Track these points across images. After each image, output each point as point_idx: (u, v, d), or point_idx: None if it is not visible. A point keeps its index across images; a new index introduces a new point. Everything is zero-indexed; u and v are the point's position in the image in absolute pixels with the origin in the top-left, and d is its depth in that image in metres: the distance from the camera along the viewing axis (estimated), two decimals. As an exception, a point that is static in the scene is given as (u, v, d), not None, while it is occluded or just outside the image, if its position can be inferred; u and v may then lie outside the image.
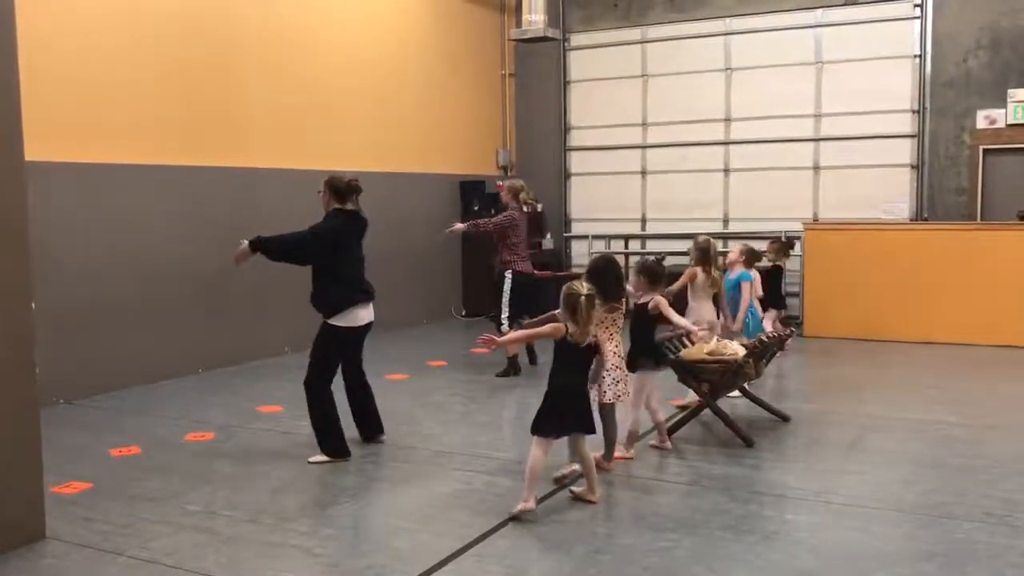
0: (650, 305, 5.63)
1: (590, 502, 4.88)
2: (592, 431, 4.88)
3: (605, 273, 5.31)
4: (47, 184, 7.04)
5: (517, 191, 8.50)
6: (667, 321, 5.72)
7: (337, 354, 5.86)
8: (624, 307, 5.52)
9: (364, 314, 5.83)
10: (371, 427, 6.11)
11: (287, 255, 5.76)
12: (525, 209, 8.59)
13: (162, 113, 8.10)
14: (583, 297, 4.65)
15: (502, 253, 8.40)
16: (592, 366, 4.97)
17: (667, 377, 6.39)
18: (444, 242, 8.97)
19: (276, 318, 9.17)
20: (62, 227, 7.27)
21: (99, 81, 7.57)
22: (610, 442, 5.46)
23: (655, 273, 5.73)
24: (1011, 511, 4.70)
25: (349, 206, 5.84)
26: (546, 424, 4.74)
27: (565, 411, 4.75)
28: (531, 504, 4.68)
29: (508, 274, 8.31)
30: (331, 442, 5.75)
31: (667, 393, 6.98)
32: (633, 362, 5.69)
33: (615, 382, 5.37)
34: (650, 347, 5.78)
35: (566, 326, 4.72)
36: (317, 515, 4.86)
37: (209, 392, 7.76)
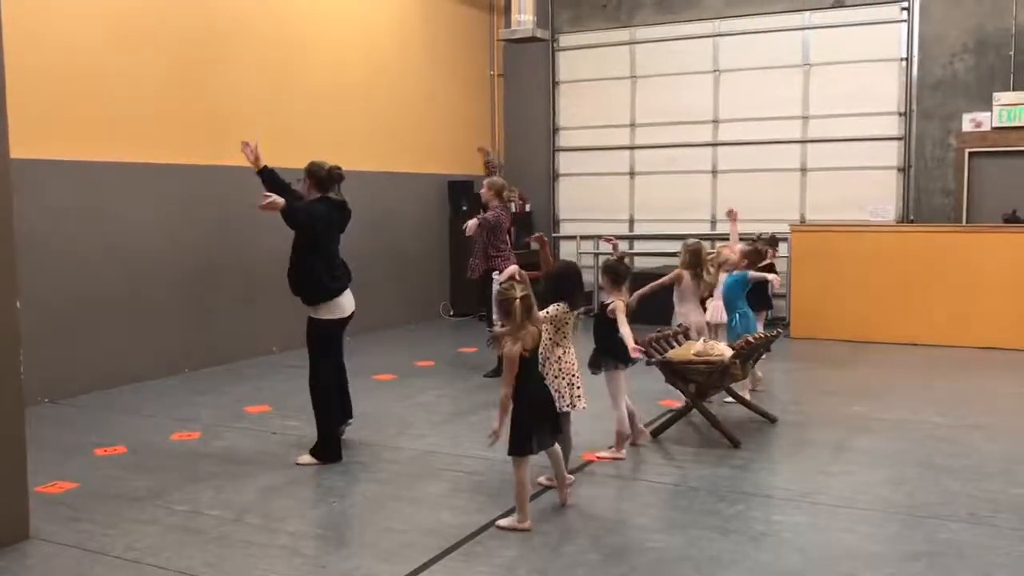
0: (608, 308, 5.58)
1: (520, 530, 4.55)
2: (559, 432, 4.83)
3: (561, 279, 5.19)
4: (33, 182, 6.99)
5: (500, 189, 8.48)
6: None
7: (329, 347, 5.83)
8: (574, 314, 5.22)
9: (346, 303, 5.79)
10: (340, 408, 6.00)
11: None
12: (510, 207, 8.55)
13: (150, 111, 8.06)
14: (517, 300, 4.51)
15: (487, 253, 8.35)
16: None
17: (656, 378, 6.41)
18: (467, 236, 8.67)
19: (264, 317, 9.13)
20: (48, 225, 7.22)
21: (86, 78, 7.52)
22: (565, 454, 5.09)
23: (616, 272, 5.67)
24: (995, 511, 4.73)
25: (332, 195, 5.75)
26: (524, 442, 4.57)
27: (541, 423, 4.62)
28: (528, 524, 4.57)
29: (496, 274, 8.22)
30: (324, 445, 5.70)
31: (657, 395, 7.01)
32: (597, 362, 5.67)
33: (569, 386, 5.09)
34: (612, 347, 5.62)
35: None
36: (304, 515, 4.85)
37: (196, 391, 7.72)
